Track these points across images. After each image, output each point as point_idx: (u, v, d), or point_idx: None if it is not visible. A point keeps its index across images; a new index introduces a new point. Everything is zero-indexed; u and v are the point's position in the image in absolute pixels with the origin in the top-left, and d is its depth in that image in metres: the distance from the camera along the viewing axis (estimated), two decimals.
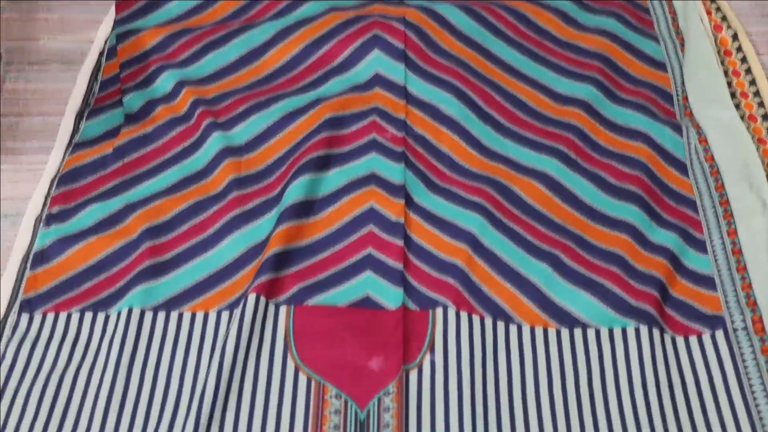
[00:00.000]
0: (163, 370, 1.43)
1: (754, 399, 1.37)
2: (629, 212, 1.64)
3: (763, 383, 1.39)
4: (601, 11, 2.02)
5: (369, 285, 1.55)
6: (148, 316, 1.49)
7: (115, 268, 1.58)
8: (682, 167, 1.73)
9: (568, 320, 1.49)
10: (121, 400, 1.39)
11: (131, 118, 1.81)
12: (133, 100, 1.85)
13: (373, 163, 1.73)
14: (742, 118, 1.77)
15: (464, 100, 1.80)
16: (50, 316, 1.51)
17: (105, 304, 1.53)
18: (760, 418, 1.35)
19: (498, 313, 1.51)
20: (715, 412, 1.36)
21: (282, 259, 1.56)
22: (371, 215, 1.65)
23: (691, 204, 1.66)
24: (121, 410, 1.37)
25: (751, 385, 1.39)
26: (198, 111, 1.79)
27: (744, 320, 1.49)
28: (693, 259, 1.59)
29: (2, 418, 1.37)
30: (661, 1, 2.06)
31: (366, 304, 1.53)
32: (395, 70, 1.87)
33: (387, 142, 1.75)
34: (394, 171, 1.70)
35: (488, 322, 1.49)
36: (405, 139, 1.76)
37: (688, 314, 1.51)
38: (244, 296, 1.49)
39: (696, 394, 1.40)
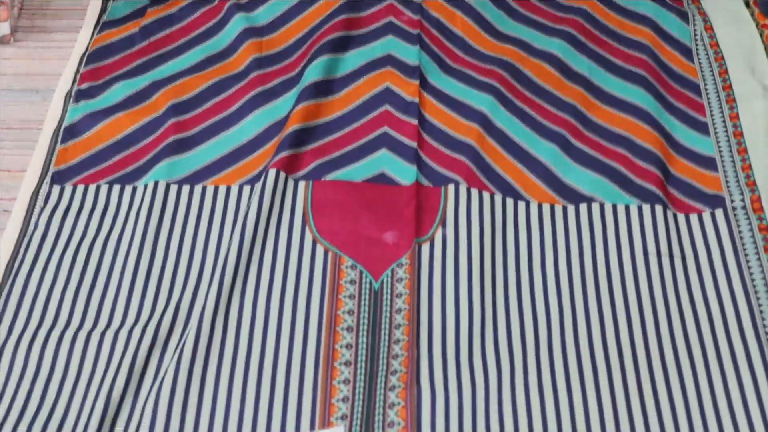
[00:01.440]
0: (188, 240, 1.38)
1: (751, 274, 1.32)
2: (636, 94, 1.58)
3: (759, 259, 1.34)
4: None
5: (384, 162, 1.50)
6: (173, 189, 1.44)
7: (141, 142, 1.53)
8: (687, 52, 1.66)
9: (574, 197, 1.44)
10: (148, 267, 1.34)
11: None
12: None
13: (389, 45, 1.67)
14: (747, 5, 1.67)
15: None
16: (80, 188, 1.45)
17: (132, 177, 1.48)
18: (755, 291, 1.29)
19: (507, 190, 1.45)
20: (713, 284, 1.31)
21: (301, 137, 1.51)
22: (387, 95, 1.59)
23: (695, 88, 1.60)
24: (148, 277, 1.33)
25: (747, 261, 1.34)
26: None
27: (743, 199, 1.43)
28: (695, 141, 1.53)
29: (36, 284, 1.33)
30: None
31: (381, 180, 1.48)
32: None
33: (403, 25, 1.69)
34: (409, 53, 1.64)
35: (498, 198, 1.43)
36: (420, 22, 1.69)
37: (690, 193, 1.46)
38: (265, 171, 1.44)
39: (695, 267, 1.34)
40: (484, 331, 1.28)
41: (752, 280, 1.31)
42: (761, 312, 1.28)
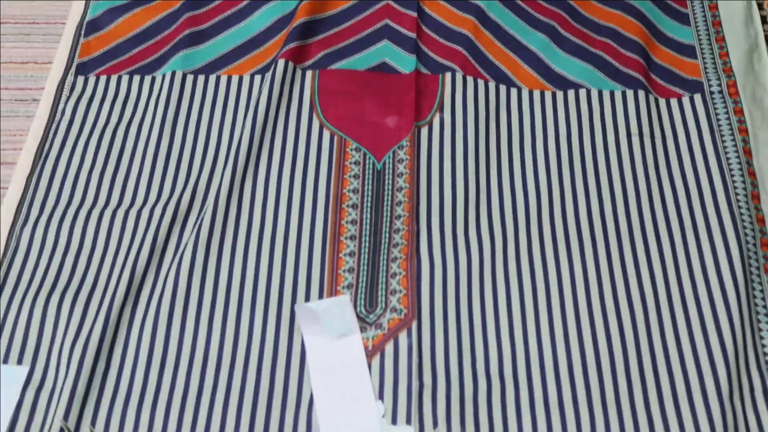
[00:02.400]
0: (204, 126, 1.37)
1: (726, 153, 1.31)
2: None
3: (734, 139, 1.33)
4: None
5: (386, 52, 1.48)
6: (189, 78, 1.42)
7: (159, 35, 1.51)
8: None
9: (563, 84, 1.42)
10: (167, 151, 1.34)
11: None
12: None
13: None
14: None
15: None
16: (103, 79, 1.44)
17: (151, 67, 1.46)
18: (730, 169, 1.29)
19: (501, 78, 1.43)
20: (690, 162, 1.31)
21: (308, 29, 1.48)
22: None
23: None
24: (168, 160, 1.33)
25: (723, 141, 1.33)
26: None
27: (720, 84, 1.41)
28: (677, 31, 1.51)
29: (65, 167, 1.33)
30: None
31: (383, 69, 1.46)
32: None
33: None
34: None
35: (492, 85, 1.41)
36: None
37: (671, 79, 1.44)
38: (274, 61, 1.42)
39: (674, 147, 1.34)
40: (479, 206, 1.27)
41: (727, 158, 1.30)
42: (735, 188, 1.27)
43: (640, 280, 1.19)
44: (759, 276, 1.21)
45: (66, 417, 1.07)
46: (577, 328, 1.15)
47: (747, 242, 1.22)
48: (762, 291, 1.19)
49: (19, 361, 1.14)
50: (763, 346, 1.15)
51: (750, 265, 1.21)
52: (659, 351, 1.13)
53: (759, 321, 1.17)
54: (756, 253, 1.22)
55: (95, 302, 1.18)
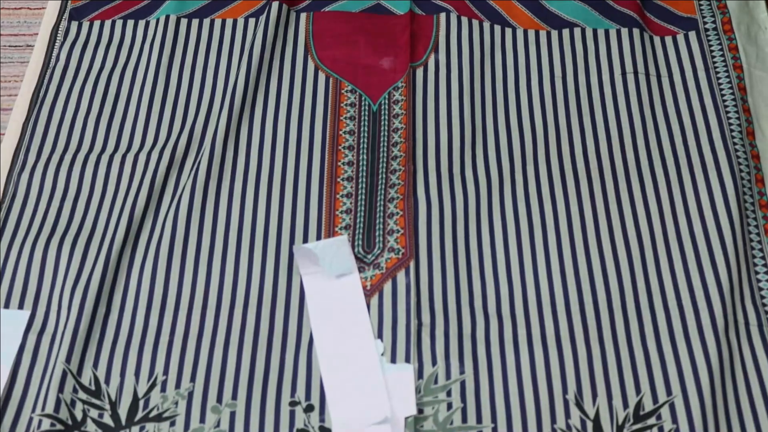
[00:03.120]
0: (199, 69, 1.33)
1: (720, 90, 1.27)
2: None
3: (728, 76, 1.29)
4: None
5: None
6: (183, 22, 1.38)
7: None
8: None
9: (557, 23, 1.38)
10: (163, 95, 1.30)
11: None
12: None
13: None
14: None
15: None
16: (97, 24, 1.39)
17: (144, 12, 1.41)
18: (725, 105, 1.25)
19: (495, 18, 1.39)
20: (685, 99, 1.27)
21: None
22: None
23: None
24: (163, 104, 1.29)
25: (718, 78, 1.29)
26: None
27: (715, 22, 1.37)
28: None
29: (60, 112, 1.29)
30: None
31: (377, 10, 1.41)
32: None
33: None
34: None
35: (486, 25, 1.37)
36: None
37: (666, 17, 1.39)
38: (268, 4, 1.37)
39: (669, 84, 1.30)
40: (475, 145, 1.24)
41: (722, 95, 1.27)
42: (729, 125, 1.23)
43: (636, 218, 1.16)
44: (754, 212, 1.17)
45: (68, 360, 1.04)
46: (573, 266, 1.12)
47: (742, 178, 1.19)
48: (757, 227, 1.16)
49: (20, 306, 1.11)
50: (758, 281, 1.12)
51: (745, 201, 1.18)
52: (655, 286, 1.10)
53: (754, 256, 1.14)
54: (750, 189, 1.19)
55: (94, 246, 1.14)
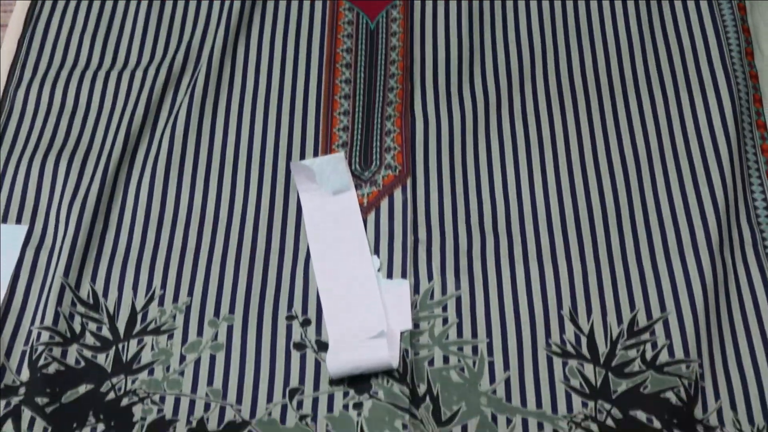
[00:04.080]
0: None
1: (720, 10, 1.22)
2: None
3: None
4: None
5: None
6: None
7: None
8: None
9: None
10: (159, 11, 1.25)
11: None
12: None
13: None
14: None
15: None
16: None
17: None
18: (724, 26, 1.19)
19: None
20: (685, 21, 1.22)
21: None
22: None
23: None
24: (160, 20, 1.24)
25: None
26: None
27: None
28: None
29: (56, 28, 1.23)
30: None
31: None
32: None
33: None
34: None
35: None
36: None
37: None
38: None
39: (668, 4, 1.23)
40: (473, 64, 1.18)
41: (721, 15, 1.21)
42: (728, 45, 1.17)
43: (633, 136, 1.11)
44: (751, 132, 1.12)
45: (66, 274, 1.00)
46: (569, 183, 1.07)
47: (740, 98, 1.14)
48: (754, 147, 1.11)
49: (18, 220, 1.06)
50: (754, 200, 1.08)
51: (742, 121, 1.12)
52: (651, 204, 1.06)
53: (750, 176, 1.09)
54: (748, 109, 1.14)
55: (91, 163, 1.10)
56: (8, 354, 0.96)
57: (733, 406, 0.93)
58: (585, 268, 1.01)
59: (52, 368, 0.94)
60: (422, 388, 0.93)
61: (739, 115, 1.12)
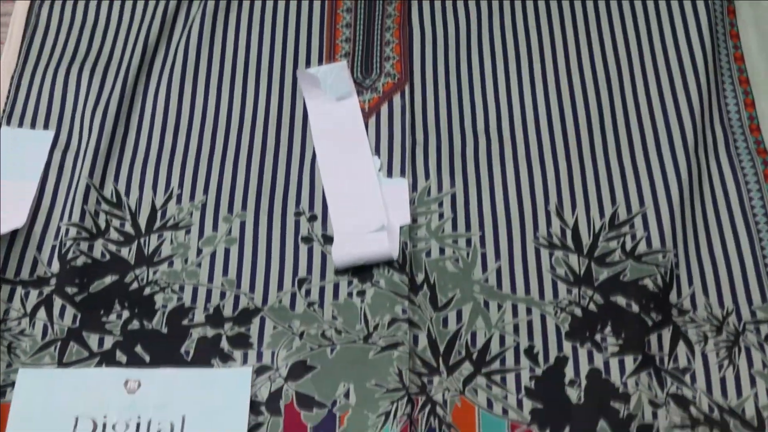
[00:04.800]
0: None
1: None
2: None
3: None
4: None
5: None
6: None
7: None
8: None
9: None
10: None
11: None
12: None
13: None
14: None
15: None
16: None
17: None
18: None
19: None
20: None
21: None
22: None
23: None
24: None
25: None
26: None
27: None
28: None
29: None
30: None
31: None
32: None
33: None
34: None
35: None
36: None
37: None
38: None
39: None
40: None
41: None
42: None
43: (615, 44, 1.01)
44: (725, 41, 1.01)
45: (91, 175, 0.91)
46: (556, 89, 0.98)
47: (714, 10, 1.02)
48: (727, 55, 1.00)
49: (46, 126, 0.97)
50: (726, 104, 0.98)
51: (717, 31, 1.02)
52: (631, 107, 0.96)
53: (723, 82, 0.99)
54: (723, 20, 1.03)
55: (112, 73, 0.99)
56: (39, 248, 0.87)
57: (705, 292, 0.85)
58: (570, 167, 0.92)
59: (80, 261, 0.86)
60: (420, 277, 0.85)
61: (714, 26, 1.01)
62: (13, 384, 0.79)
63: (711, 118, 0.97)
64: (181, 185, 0.92)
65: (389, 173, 0.92)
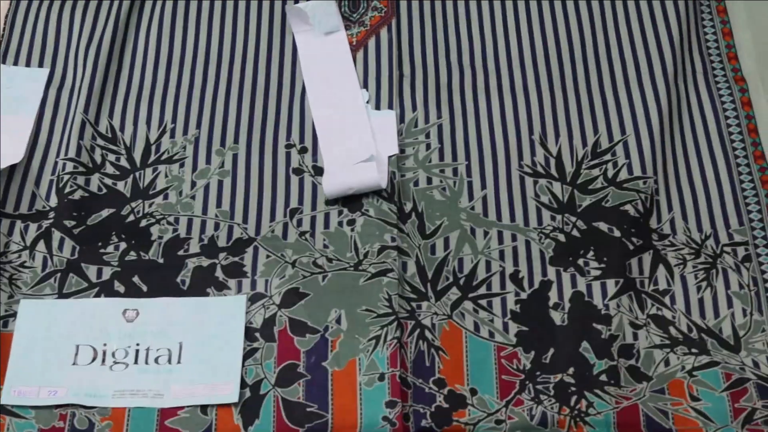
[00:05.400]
0: None
1: None
2: None
3: None
4: None
5: None
6: None
7: None
8: None
9: None
10: None
11: None
12: None
13: None
14: None
15: None
16: None
17: None
18: None
19: None
20: None
21: None
22: None
23: None
24: None
25: None
26: None
27: None
28: None
29: None
30: None
31: None
32: None
33: None
34: None
35: None
36: None
37: None
38: None
39: None
40: None
41: None
42: None
43: None
44: None
45: (86, 110, 0.80)
46: (539, 22, 0.86)
47: None
48: None
49: (41, 64, 0.84)
50: (705, 33, 0.86)
51: None
52: (613, 40, 0.84)
53: (702, 11, 0.86)
54: None
55: (104, 10, 0.87)
56: (37, 183, 0.77)
57: (684, 217, 0.75)
58: (553, 98, 0.81)
59: (77, 195, 0.75)
60: (408, 206, 0.75)
61: None
62: (15, 314, 0.69)
63: (690, 48, 0.85)
64: (174, 119, 0.81)
65: (377, 105, 0.81)
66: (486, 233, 0.74)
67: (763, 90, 0.82)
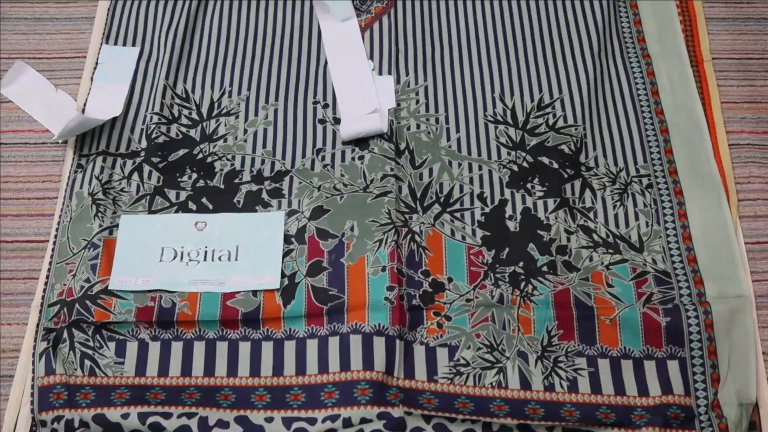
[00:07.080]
0: None
1: None
2: None
3: None
4: None
5: None
6: None
7: None
8: None
9: None
10: None
11: None
12: None
13: None
14: None
15: None
16: None
17: None
18: None
19: None
20: None
21: None
22: None
23: None
24: None
25: None
26: None
27: None
28: None
29: None
30: None
31: None
32: None
33: None
34: None
35: None
36: None
37: None
38: None
39: None
40: None
41: None
42: None
43: None
44: None
45: (167, 78, 0.66)
46: (500, 10, 0.71)
47: None
48: None
49: (134, 44, 0.68)
50: (621, 21, 0.70)
51: None
52: (553, 23, 0.70)
53: (619, 7, 0.71)
54: None
55: (180, 3, 0.70)
56: (132, 131, 0.64)
57: (605, 155, 0.63)
58: (509, 66, 0.67)
59: (161, 139, 0.63)
60: (402, 145, 0.62)
61: None
62: (117, 226, 0.57)
63: (610, 33, 0.70)
64: (231, 84, 0.67)
65: (380, 72, 0.66)
66: (459, 164, 0.61)
67: (663, 64, 0.68)
